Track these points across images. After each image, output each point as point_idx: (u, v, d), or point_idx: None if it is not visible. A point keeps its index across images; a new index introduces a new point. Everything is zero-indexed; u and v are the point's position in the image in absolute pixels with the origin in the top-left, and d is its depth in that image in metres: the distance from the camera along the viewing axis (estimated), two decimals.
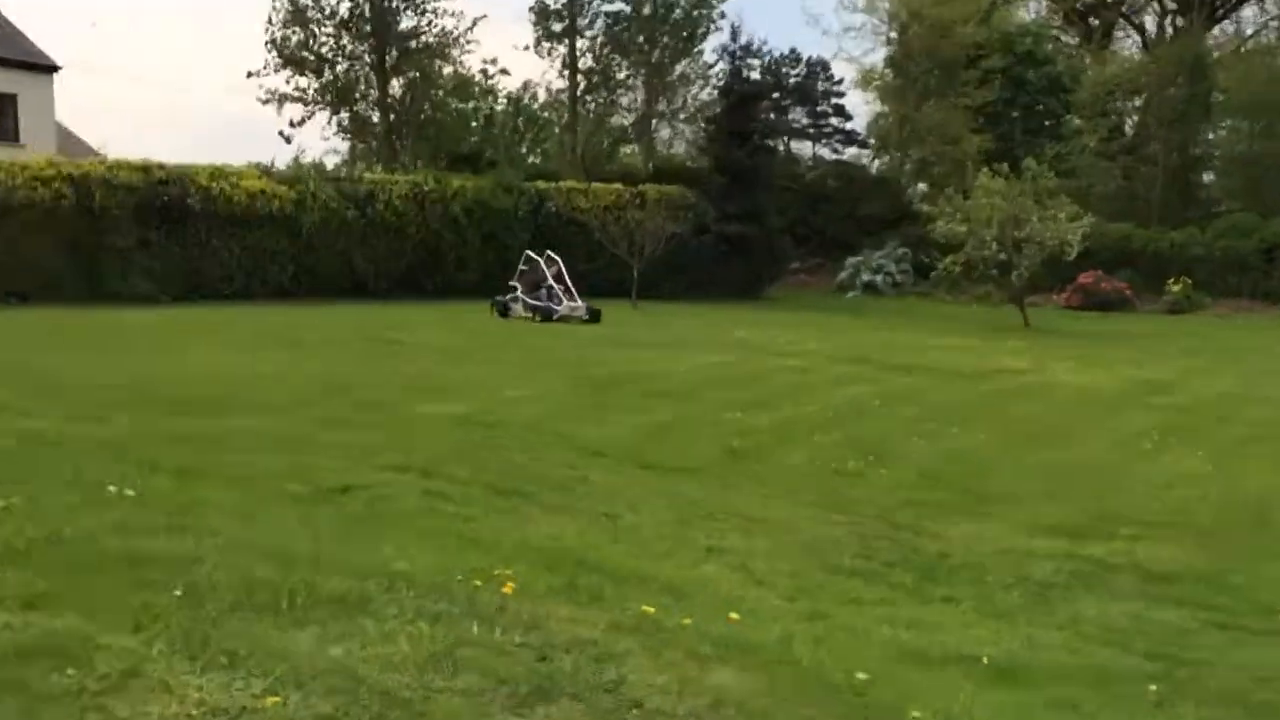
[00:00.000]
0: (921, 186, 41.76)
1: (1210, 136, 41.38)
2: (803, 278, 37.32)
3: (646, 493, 8.39)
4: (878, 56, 49.60)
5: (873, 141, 45.22)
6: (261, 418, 10.17)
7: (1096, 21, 49.26)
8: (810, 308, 29.55)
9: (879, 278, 34.86)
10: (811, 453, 10.14)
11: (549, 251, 24.72)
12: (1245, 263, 33.24)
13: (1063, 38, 52.08)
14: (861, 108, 56.01)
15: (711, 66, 40.46)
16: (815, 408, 12.71)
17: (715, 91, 38.06)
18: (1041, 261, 26.40)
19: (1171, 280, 32.74)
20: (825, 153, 48.04)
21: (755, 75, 42.72)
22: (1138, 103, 43.50)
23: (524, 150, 43.48)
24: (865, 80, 42.29)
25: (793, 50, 48.14)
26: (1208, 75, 39.15)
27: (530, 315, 23.06)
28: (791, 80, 48.64)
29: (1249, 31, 50.24)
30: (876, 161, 44.69)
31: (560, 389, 13.38)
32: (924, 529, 7.85)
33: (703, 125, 36.58)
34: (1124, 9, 50.30)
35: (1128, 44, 52.51)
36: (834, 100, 48.39)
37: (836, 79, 47.39)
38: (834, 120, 48.55)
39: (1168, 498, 8.96)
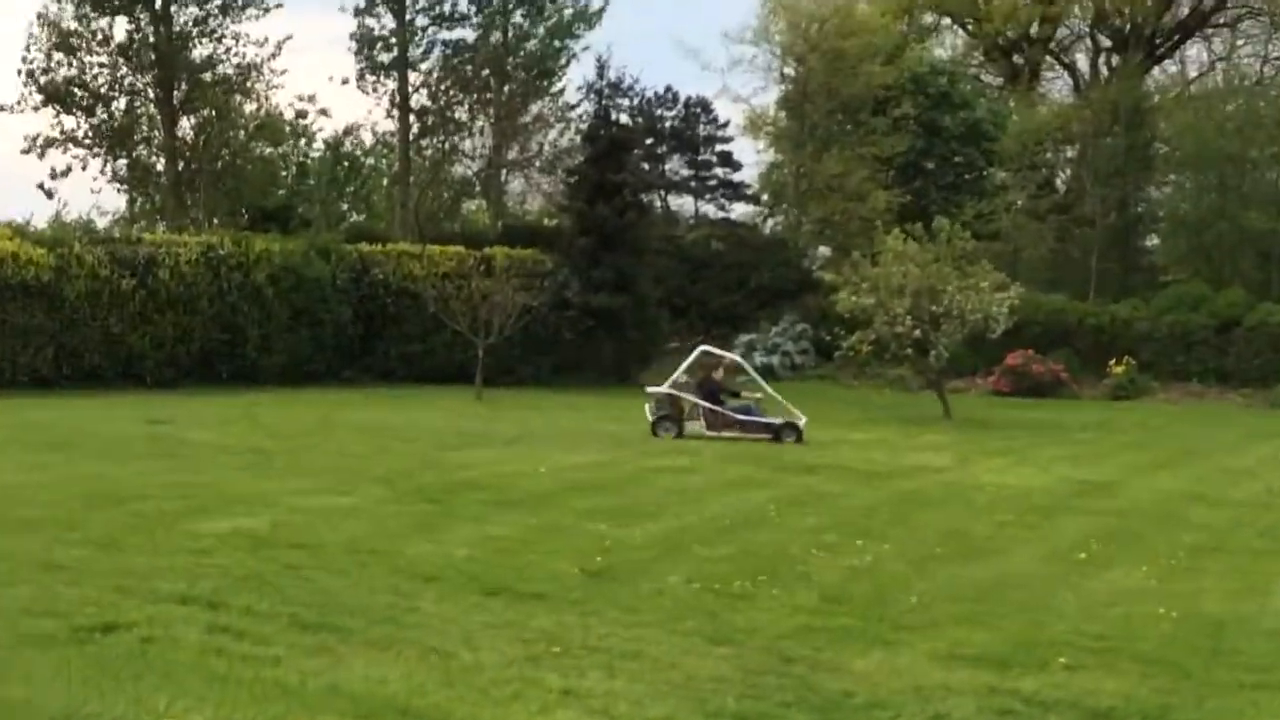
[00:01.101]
0: (823, 250, 42.75)
1: (1153, 193, 43.21)
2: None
3: (489, 624, 8.33)
4: (770, 97, 50.92)
5: (765, 197, 46.22)
6: (6, 538, 9.85)
7: (1022, 60, 51.32)
8: None
9: (775, 359, 35.44)
10: (692, 571, 10.18)
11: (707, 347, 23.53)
12: (1195, 340, 34.61)
13: (984, 78, 54.17)
14: (752, 156, 57.32)
15: (573, 107, 41.11)
16: (698, 517, 12.80)
17: (578, 137, 38.54)
18: (963, 340, 27.12)
19: (1113, 361, 33.92)
20: (710, 209, 48.90)
21: (626, 118, 43.48)
22: (1071, 154, 45.35)
23: (345, 206, 43.47)
24: (755, 125, 43.29)
25: (669, 89, 49.03)
26: (1147, 123, 40.99)
27: (713, 431, 20.73)
28: (669, 124, 49.50)
29: (1193, 74, 52.92)
30: (770, 220, 45.65)
31: (385, 499, 13.27)
32: (823, 661, 7.91)
33: (563, 176, 37.04)
34: (1052, 46, 52.53)
35: (1058, 86, 54.83)
36: (719, 147, 49.31)
37: (722, 122, 48.37)
38: (719, 171, 49.43)
39: (1108, 619, 9.20)
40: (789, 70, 41.79)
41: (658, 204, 47.04)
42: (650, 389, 22.18)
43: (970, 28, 52.72)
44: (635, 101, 47.38)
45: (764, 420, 21.07)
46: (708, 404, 21.06)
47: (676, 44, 76.35)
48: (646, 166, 46.69)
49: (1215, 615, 9.44)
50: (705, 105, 48.95)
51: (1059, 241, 40.64)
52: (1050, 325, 35.51)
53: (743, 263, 39.15)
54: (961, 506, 14.35)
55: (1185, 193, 41.97)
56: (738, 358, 23.37)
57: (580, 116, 39.95)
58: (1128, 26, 49.41)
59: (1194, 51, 53.48)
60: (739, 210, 48.93)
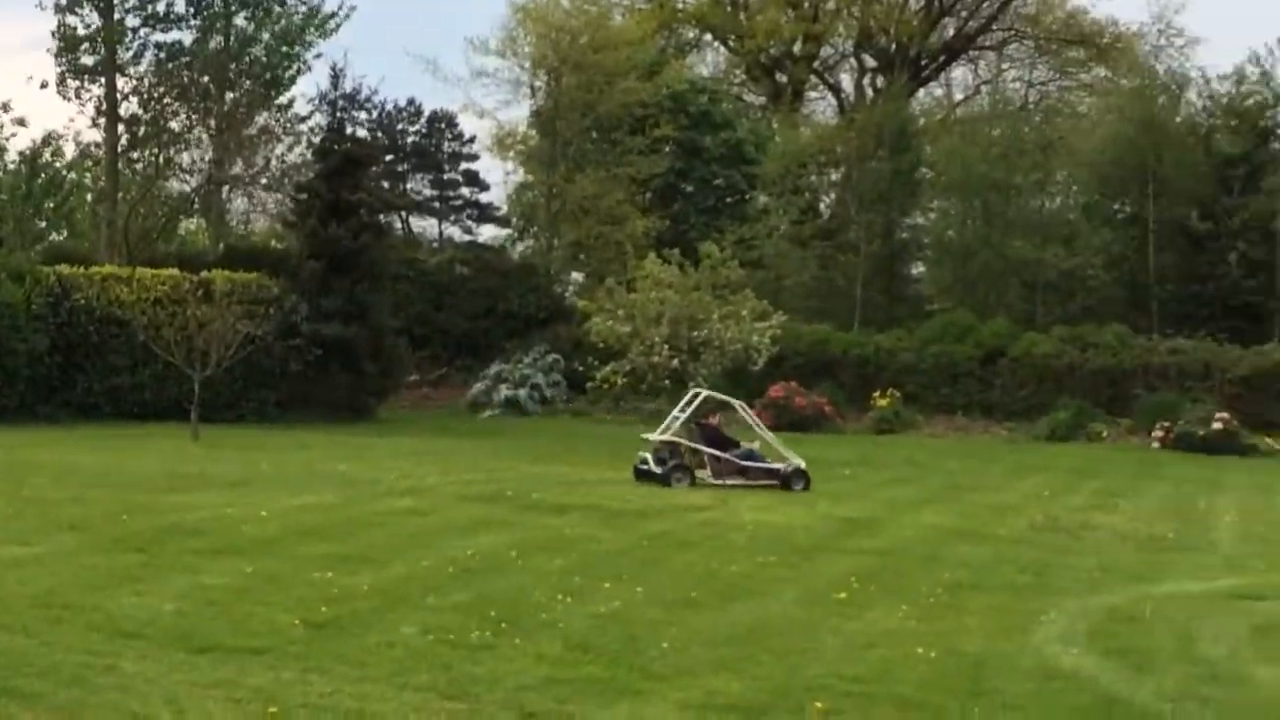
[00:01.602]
0: (576, 276, 43.06)
1: (919, 219, 44.81)
2: (425, 392, 37.48)
3: (197, 684, 8.12)
4: (519, 112, 51.17)
5: (515, 219, 46.35)
6: None
7: (785, 79, 52.76)
8: (434, 431, 29.63)
9: (523, 392, 35.43)
10: (426, 621, 10.08)
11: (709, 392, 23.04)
12: (960, 372, 35.96)
13: (747, 97, 55.48)
14: (500, 176, 57.33)
15: (304, 119, 40.46)
16: (433, 562, 12.69)
17: (309, 151, 38.00)
18: (724, 371, 27.61)
19: (878, 393, 34.95)
20: (455, 232, 48.85)
21: (363, 132, 43.11)
22: (835, 177, 46.73)
23: (42, 224, 41.93)
24: (504, 142, 43.40)
25: (412, 101, 48.90)
26: (912, 146, 42.52)
27: (718, 479, 20.55)
28: (411, 139, 49.33)
29: (959, 97, 55.24)
30: (520, 244, 45.78)
31: (82, 548, 12.82)
32: (567, 715, 7.92)
33: (291, 195, 36.47)
34: (816, 65, 54.15)
35: (823, 107, 56.55)
36: (465, 166, 49.38)
37: (467, 138, 48.42)
38: (466, 191, 49.52)
39: (867, 660, 9.43)
40: (539, 84, 42.05)
41: (398, 225, 46.77)
42: (649, 437, 21.76)
43: (732, 44, 53.98)
44: (374, 115, 47.11)
45: (769, 466, 21.01)
46: (712, 451, 20.93)
47: (412, 54, 75.27)
48: (386, 185, 46.39)
49: (975, 654, 9.77)
50: (450, 120, 49.00)
51: (823, 269, 41.71)
52: (813, 356, 36.35)
53: (490, 289, 39.11)
54: (720, 547, 14.55)
55: (950, 219, 43.60)
56: (739, 403, 23.05)
57: (312, 130, 39.42)
58: (893, 47, 51.36)
59: (959, 74, 55.90)
60: (487, 233, 49.07)
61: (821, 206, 47.30)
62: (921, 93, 53.57)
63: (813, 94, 56.55)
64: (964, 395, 35.94)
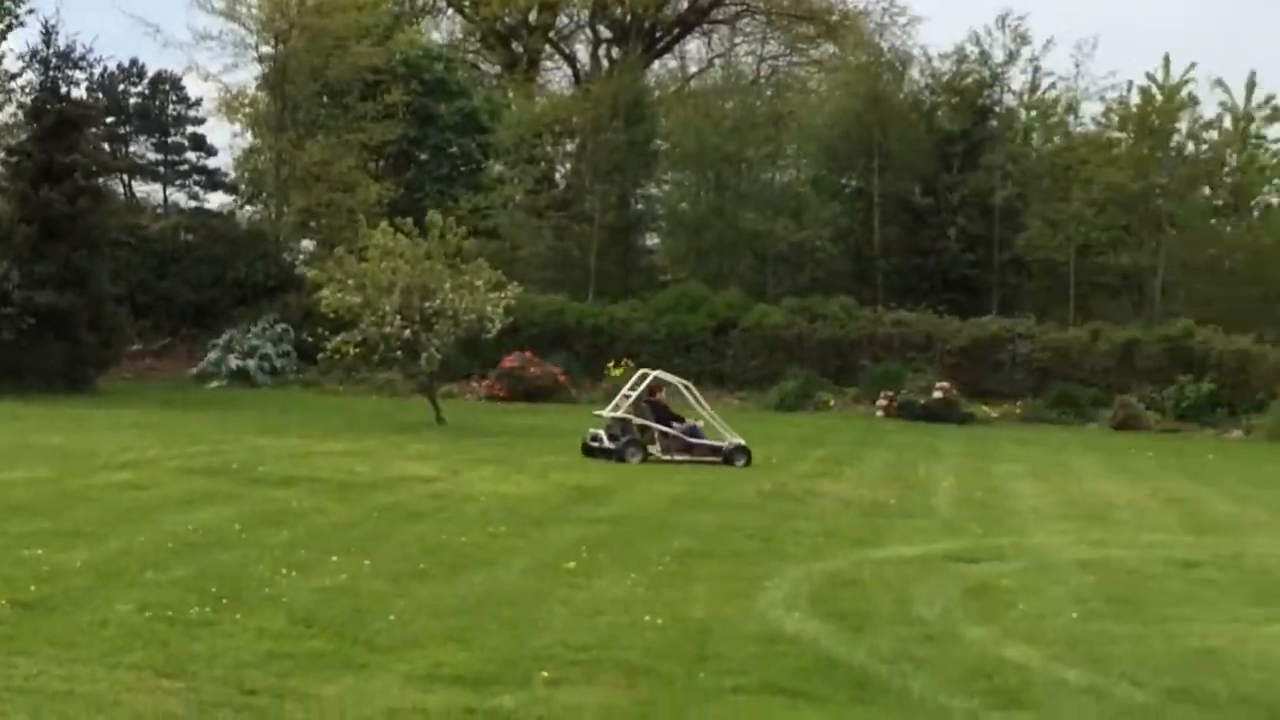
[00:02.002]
0: (307, 244, 42.26)
1: (653, 191, 45.22)
2: (149, 363, 36.38)
3: None
4: (245, 75, 49.84)
5: (243, 185, 45.18)
6: None
7: (521, 48, 52.59)
8: (158, 403, 28.74)
9: (252, 362, 34.69)
10: (143, 598, 9.78)
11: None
12: (693, 342, 36.51)
13: (482, 66, 55.13)
14: (228, 140, 55.92)
15: (14, 76, 38.64)
16: (152, 537, 12.33)
17: (20, 112, 36.37)
18: (457, 341, 27.41)
19: (612, 363, 35.23)
20: (181, 198, 47.43)
21: (80, 92, 41.41)
22: (570, 148, 46.82)
23: None
24: (231, 106, 42.21)
25: (135, 62, 47.27)
26: (647, 118, 42.85)
27: (667, 455, 21.31)
28: (133, 101, 47.72)
29: (693, 70, 55.91)
30: (248, 210, 44.64)
31: None
32: (289, 690, 7.76)
33: (2, 157, 34.84)
34: (551, 35, 54.13)
35: (558, 77, 56.57)
36: (191, 129, 47.97)
37: (193, 101, 47.04)
38: (192, 155, 48.11)
39: (595, 629, 9.49)
40: (265, 48, 40.98)
41: (119, 190, 45.16)
42: (600, 413, 22.37)
43: (467, 11, 53.53)
44: (92, 75, 45.30)
45: (713, 443, 21.69)
46: (661, 427, 21.59)
47: (129, 13, 72.58)
48: (106, 148, 44.75)
49: (701, 620, 9.92)
50: (175, 83, 47.53)
51: (558, 239, 41.77)
52: (548, 326, 36.53)
53: (217, 256, 38.09)
54: (451, 518, 14.48)
55: (684, 191, 44.13)
56: (683, 381, 23.54)
57: (24, 89, 37.66)
58: (628, 18, 51.60)
59: (694, 47, 56.55)
60: (215, 200, 47.75)
61: (557, 177, 47.36)
62: (656, 65, 54.02)
63: (548, 64, 56.56)
64: (697, 365, 36.41)
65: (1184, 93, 40.07)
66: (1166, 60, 40.24)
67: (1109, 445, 28.56)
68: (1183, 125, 40.46)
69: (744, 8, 54.14)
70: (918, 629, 9.90)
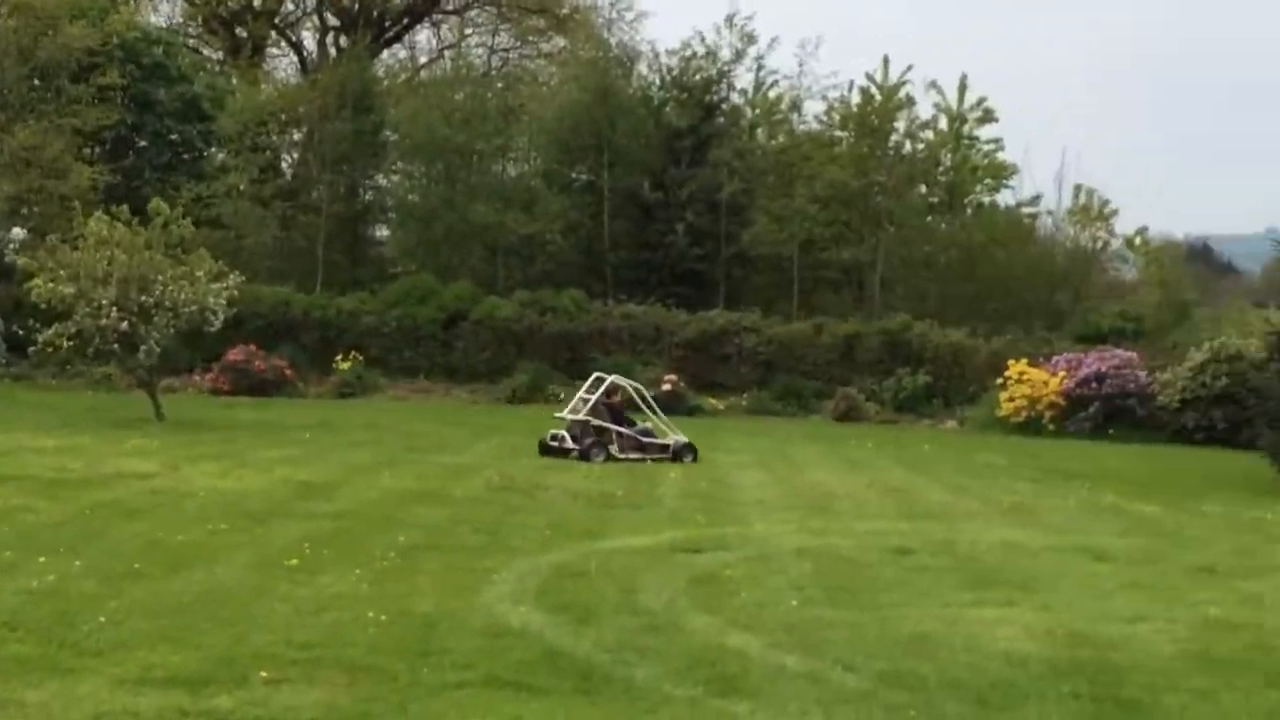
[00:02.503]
0: (17, 232, 40.49)
1: (383, 182, 44.72)
2: None
3: None
4: None
5: None
6: None
7: (245, 34, 51.33)
8: None
9: None
10: None
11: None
12: (423, 334, 36.25)
13: (205, 51, 53.65)
14: None
15: None
16: None
17: None
18: (179, 334, 26.68)
19: (340, 356, 34.75)
20: None
21: None
22: (297, 136, 45.91)
23: None
24: None
25: None
26: (376, 108, 42.33)
27: (622, 454, 22.33)
28: None
29: (423, 60, 55.43)
30: None
31: None
32: None
33: None
34: (277, 21, 53.00)
35: (284, 65, 55.43)
36: None
37: None
38: None
39: (317, 626, 9.33)
40: None
41: None
42: (562, 415, 23.32)
43: None
44: None
45: (663, 442, 22.95)
46: (618, 428, 22.82)
47: None
48: None
49: (426, 615, 9.84)
50: None
51: (284, 229, 40.97)
52: (274, 318, 35.86)
53: None
54: (169, 515, 14.08)
55: (414, 182, 43.75)
56: (635, 385, 24.61)
57: None
58: (356, 6, 50.92)
59: (424, 38, 56.07)
60: None
61: (284, 166, 46.40)
62: (386, 54, 53.32)
63: (274, 51, 55.38)
64: (427, 358, 36.30)
65: (901, 94, 41.48)
66: (885, 62, 41.61)
67: (831, 436, 29.38)
68: (900, 125, 41.87)
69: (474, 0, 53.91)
70: (642, 619, 10.00)
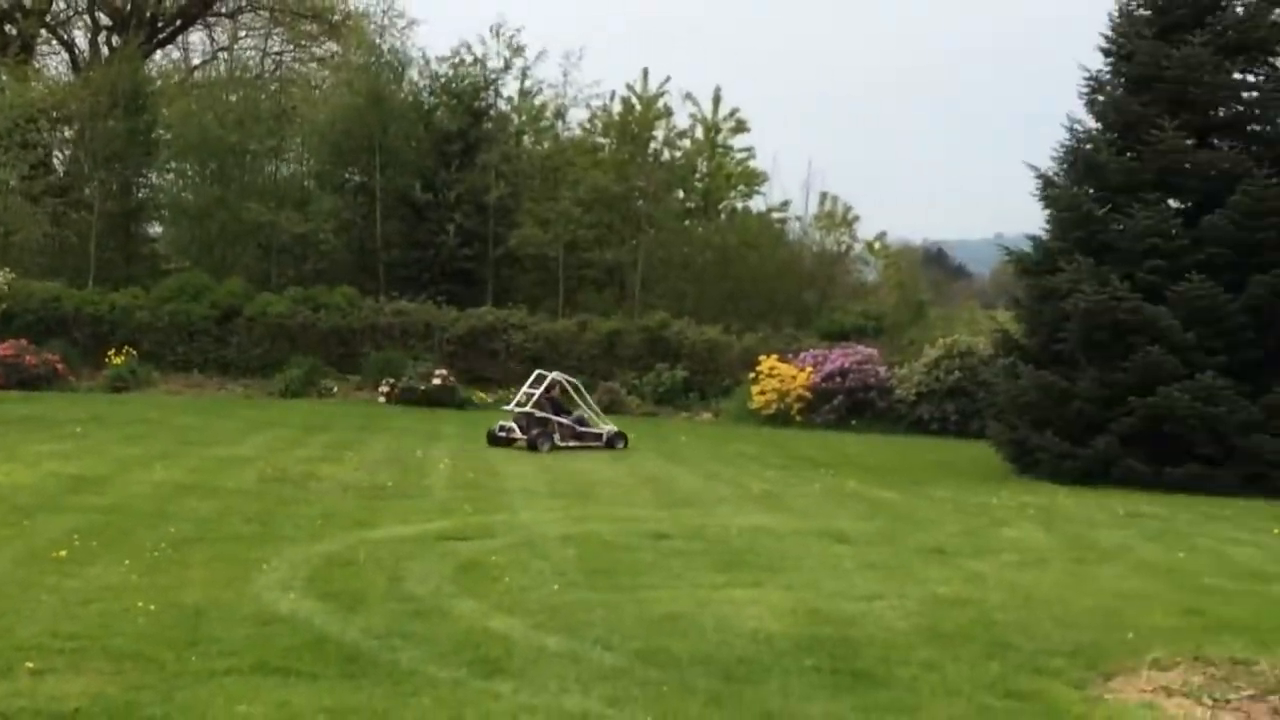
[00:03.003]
0: None
1: (155, 180, 43.41)
2: None
3: None
4: None
5: None
6: None
7: (15, 31, 49.30)
8: None
9: None
10: None
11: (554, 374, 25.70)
12: (197, 330, 35.36)
13: None
14: None
15: None
16: None
17: None
18: None
19: (113, 351, 33.69)
20: None
21: None
22: (69, 134, 44.32)
23: None
24: None
25: None
26: (149, 107, 41.09)
27: (564, 442, 23.92)
28: None
29: (196, 61, 54.00)
30: None
31: None
32: None
33: None
34: (49, 19, 51.03)
35: (56, 63, 53.41)
36: None
37: None
38: None
39: (84, 617, 9.04)
40: None
41: None
42: (509, 408, 24.70)
43: None
44: None
45: (596, 430, 24.64)
46: (559, 419, 24.42)
47: None
48: None
49: (195, 605, 9.61)
50: None
51: (56, 226, 39.56)
52: (46, 314, 34.63)
53: None
54: None
55: (187, 181, 42.63)
56: (571, 380, 26.12)
57: None
58: (128, 7, 49.32)
59: (197, 39, 54.60)
60: None
61: (55, 163, 44.76)
62: (159, 55, 51.76)
63: (45, 49, 53.29)
64: (201, 353, 35.41)
65: (660, 103, 42.00)
66: (645, 73, 42.05)
67: None
68: (659, 133, 42.35)
69: (247, 3, 52.67)
70: (409, 605, 9.92)
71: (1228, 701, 8.21)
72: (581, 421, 24.81)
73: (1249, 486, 21.28)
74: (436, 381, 32.53)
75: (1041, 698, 8.11)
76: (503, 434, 23.88)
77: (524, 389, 25.06)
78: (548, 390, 24.89)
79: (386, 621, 9.31)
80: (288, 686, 7.67)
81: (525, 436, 23.61)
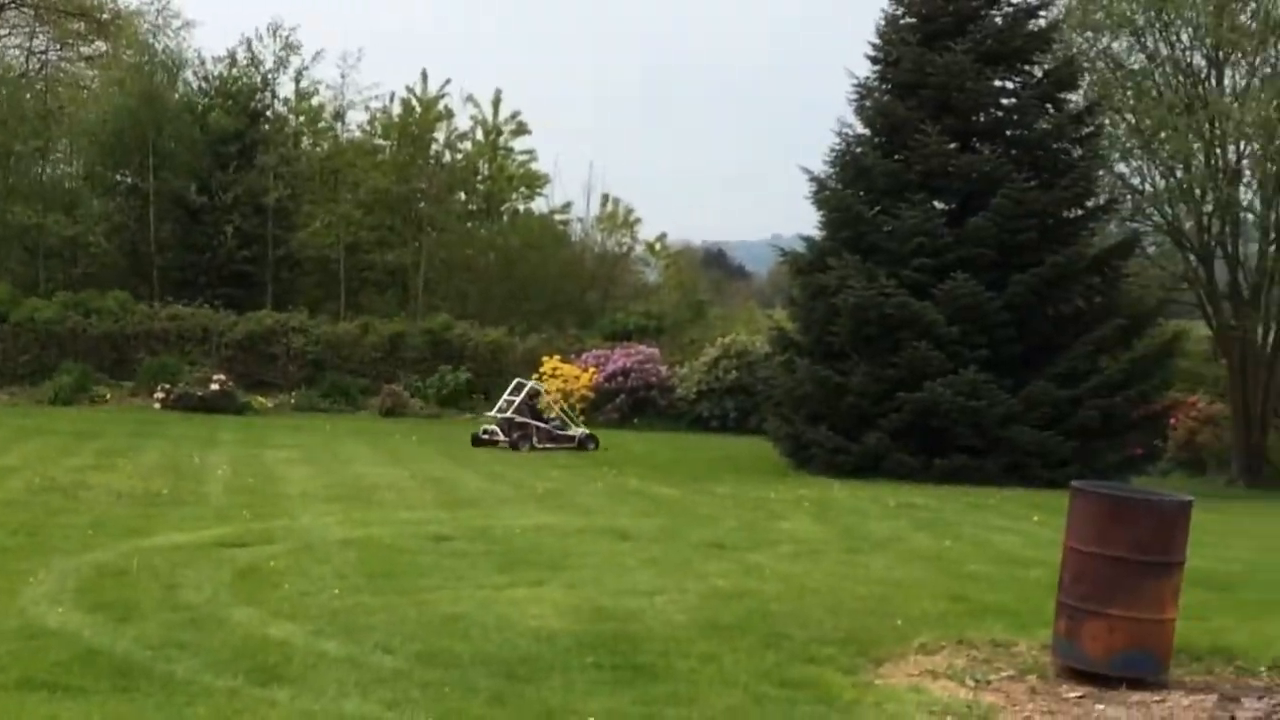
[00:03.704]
0: None
1: None
2: None
3: None
4: None
5: None
6: None
7: None
8: None
9: None
10: None
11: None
12: None
13: None
14: None
15: None
16: None
17: None
18: None
19: None
20: None
21: None
22: None
23: None
24: None
25: None
26: None
27: (541, 445, 25.89)
28: None
29: None
30: None
31: None
32: None
33: None
34: None
35: None
36: None
37: None
38: None
39: None
40: None
41: None
42: (492, 414, 27.24)
43: None
44: None
45: (570, 433, 26.69)
46: (537, 423, 26.42)
47: None
48: None
49: None
50: None
51: None
52: None
53: None
54: None
55: None
56: (544, 387, 28.61)
57: None
58: None
59: None
60: None
61: None
62: None
63: None
64: None
65: (441, 105, 41.80)
66: (424, 75, 41.81)
67: (377, 431, 29.21)
68: (440, 135, 42.15)
69: (11, 2, 50.58)
70: (184, 614, 9.65)
71: (989, 682, 8.51)
72: (559, 426, 26.93)
73: (1010, 475, 22.14)
74: (214, 387, 31.79)
75: (814, 685, 8.29)
76: (486, 436, 26.17)
77: (505, 396, 27.25)
78: (529, 397, 26.98)
79: (161, 631, 9.04)
80: (55, 702, 7.39)
81: (507, 439, 25.88)
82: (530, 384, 27.87)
